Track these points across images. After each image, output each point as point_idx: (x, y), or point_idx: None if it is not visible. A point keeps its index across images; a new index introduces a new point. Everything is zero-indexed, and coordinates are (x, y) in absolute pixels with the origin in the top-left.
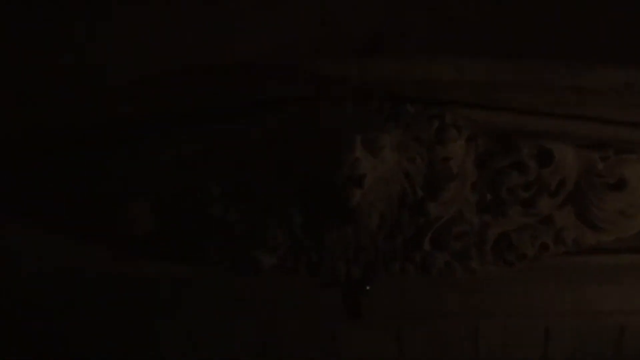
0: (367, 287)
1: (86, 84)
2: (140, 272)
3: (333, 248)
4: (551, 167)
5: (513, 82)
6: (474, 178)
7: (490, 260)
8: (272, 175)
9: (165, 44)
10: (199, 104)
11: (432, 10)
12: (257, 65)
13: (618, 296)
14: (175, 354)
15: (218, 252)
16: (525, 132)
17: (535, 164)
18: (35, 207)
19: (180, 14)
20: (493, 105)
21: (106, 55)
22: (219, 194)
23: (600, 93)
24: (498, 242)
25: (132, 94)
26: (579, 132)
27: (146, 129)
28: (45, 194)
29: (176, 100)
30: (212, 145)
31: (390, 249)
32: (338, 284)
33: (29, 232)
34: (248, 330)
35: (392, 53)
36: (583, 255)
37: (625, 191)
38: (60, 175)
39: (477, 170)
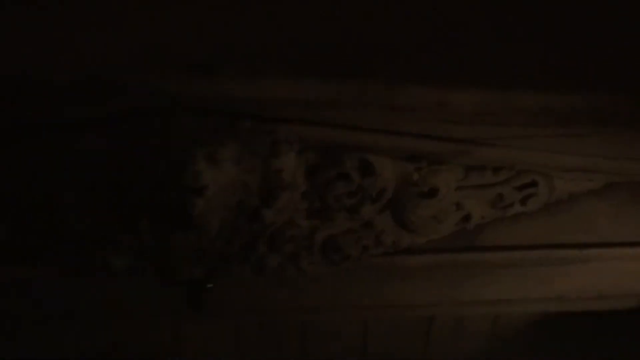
0: (209, 285)
1: None
2: None
3: (178, 251)
4: (372, 177)
5: (337, 100)
6: (304, 187)
7: (319, 261)
8: (120, 185)
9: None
10: (45, 115)
11: (264, 32)
12: (99, 80)
13: (429, 290)
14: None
15: (72, 255)
16: (349, 147)
17: (358, 175)
18: None
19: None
20: (320, 122)
21: None
22: (72, 202)
23: (414, 110)
24: (325, 244)
25: None
26: (397, 146)
27: None
28: None
29: (23, 112)
30: (62, 155)
31: (229, 252)
32: (182, 283)
33: None
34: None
35: (229, 72)
36: (400, 255)
37: (436, 198)
38: None
39: (307, 181)
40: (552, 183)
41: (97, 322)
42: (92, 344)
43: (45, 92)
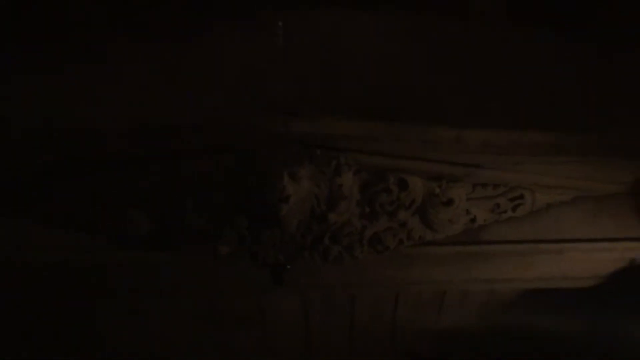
0: (287, 267)
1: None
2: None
3: (266, 242)
4: (406, 191)
5: (383, 136)
6: (357, 197)
7: (367, 250)
8: (226, 194)
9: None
10: (174, 147)
11: (330, 88)
12: (214, 123)
13: (443, 272)
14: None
15: (191, 245)
16: (391, 169)
17: (396, 189)
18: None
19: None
20: (370, 151)
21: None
22: (192, 207)
23: (437, 143)
24: (372, 238)
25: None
26: (424, 169)
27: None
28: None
29: (161, 146)
30: (185, 176)
31: (303, 243)
32: (268, 265)
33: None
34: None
35: (308, 116)
36: (424, 247)
37: (452, 206)
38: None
39: (360, 193)
40: (534, 196)
41: (201, 294)
42: (195, 310)
43: (171, 132)
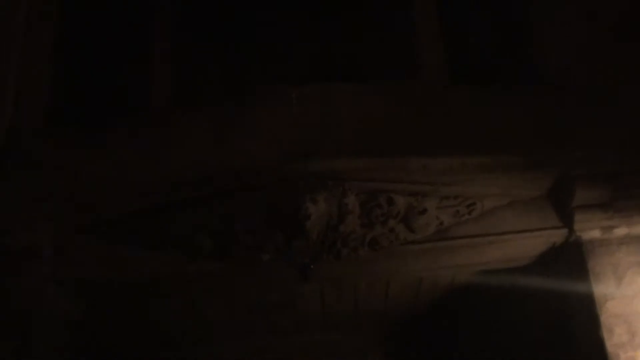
0: (311, 266)
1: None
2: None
3: (296, 249)
4: (394, 206)
5: (373, 168)
6: (358, 212)
7: (367, 250)
8: (267, 218)
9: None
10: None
11: (334, 134)
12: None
13: (422, 263)
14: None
15: (241, 254)
16: (381, 190)
17: (386, 205)
18: None
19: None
20: (366, 179)
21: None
22: (242, 229)
23: (412, 170)
24: (370, 241)
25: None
26: (405, 189)
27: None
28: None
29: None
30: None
31: (321, 248)
32: (297, 265)
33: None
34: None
35: (319, 157)
36: (408, 245)
37: (426, 214)
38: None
39: (360, 209)
40: (483, 203)
41: (249, 289)
42: (244, 301)
43: (223, 178)
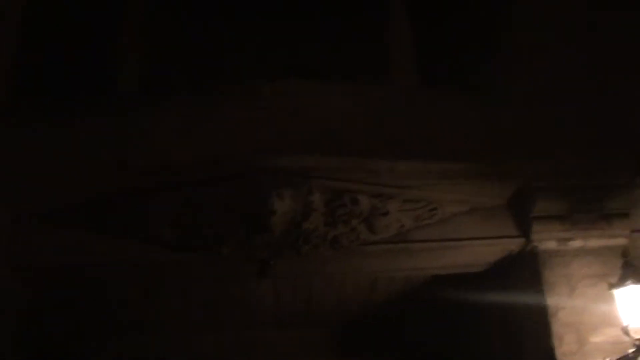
0: (271, 262)
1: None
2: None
3: (257, 244)
4: (357, 206)
5: (339, 168)
6: (323, 210)
7: (328, 248)
8: (231, 212)
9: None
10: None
11: (300, 133)
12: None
13: (379, 263)
14: None
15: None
16: (346, 190)
17: (350, 204)
18: None
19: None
20: (332, 178)
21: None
22: (204, 221)
23: (377, 172)
24: (332, 239)
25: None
26: (369, 190)
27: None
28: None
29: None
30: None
31: (283, 244)
32: (257, 260)
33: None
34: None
35: (289, 153)
36: (368, 245)
37: (388, 216)
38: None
39: (325, 207)
40: (444, 208)
41: (207, 281)
42: (203, 293)
43: (187, 169)
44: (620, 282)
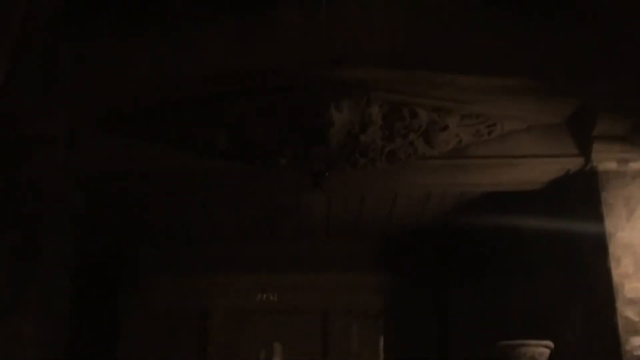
0: (326, 174)
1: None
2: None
3: (314, 156)
4: (416, 119)
5: (399, 80)
6: (380, 123)
7: (385, 162)
8: (288, 122)
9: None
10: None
11: (368, 43)
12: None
13: (436, 178)
14: None
15: (259, 158)
16: (405, 103)
17: (408, 118)
18: None
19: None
20: (391, 90)
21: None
22: (262, 131)
23: (438, 85)
24: (389, 153)
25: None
26: (429, 104)
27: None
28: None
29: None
30: (258, 108)
31: (339, 156)
32: (313, 171)
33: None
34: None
35: (347, 64)
36: (425, 160)
37: (447, 131)
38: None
39: (382, 120)
40: (503, 124)
41: (258, 193)
42: (253, 205)
43: (249, 77)
44: None
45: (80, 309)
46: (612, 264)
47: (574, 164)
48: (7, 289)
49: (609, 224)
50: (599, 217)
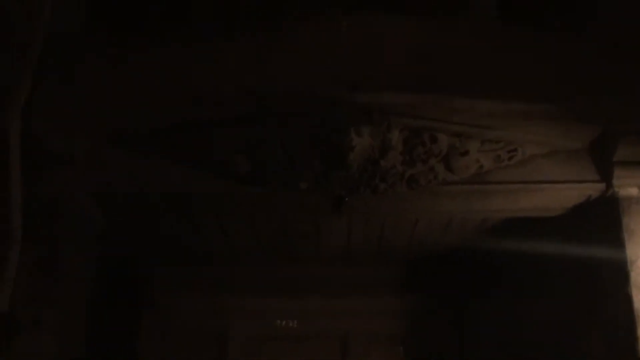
0: (346, 199)
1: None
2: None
3: (335, 180)
4: (437, 144)
5: (420, 105)
6: (401, 149)
7: (405, 187)
8: (309, 147)
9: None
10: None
11: (379, 69)
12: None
13: (456, 204)
14: None
15: (279, 180)
16: (426, 128)
17: (429, 143)
18: None
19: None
20: (411, 115)
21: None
22: (282, 155)
23: (458, 110)
24: (409, 178)
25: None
26: (449, 129)
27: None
28: None
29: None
30: (277, 133)
31: (360, 181)
32: (332, 197)
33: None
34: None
35: (367, 89)
36: (446, 186)
37: (467, 156)
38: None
39: (403, 145)
40: (524, 149)
41: (277, 216)
42: (271, 227)
43: (264, 100)
44: None
45: (98, 328)
46: (634, 291)
47: (595, 189)
48: (26, 307)
49: (631, 251)
50: (620, 244)
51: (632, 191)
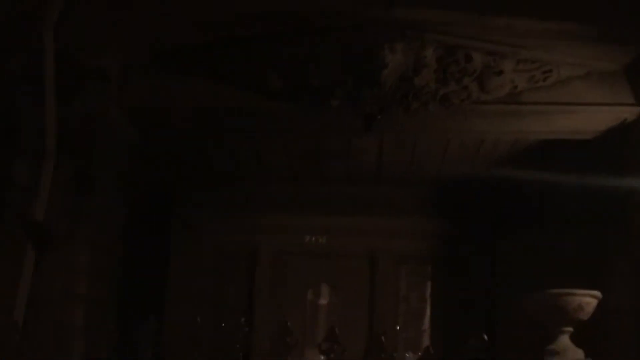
0: (378, 117)
1: None
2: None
3: (367, 98)
4: (471, 63)
5: (455, 22)
6: (435, 67)
7: (438, 106)
8: (341, 63)
9: None
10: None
11: None
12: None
13: (489, 124)
14: None
15: (313, 97)
16: (461, 46)
17: (463, 61)
18: None
19: None
20: (446, 33)
21: None
22: (315, 71)
23: (495, 29)
24: (442, 97)
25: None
26: (484, 47)
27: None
28: None
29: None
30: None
31: (392, 99)
32: (365, 114)
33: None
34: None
35: (401, 5)
36: (479, 104)
37: (502, 75)
38: None
39: (437, 63)
40: (559, 70)
41: (309, 134)
42: (302, 147)
43: (300, 17)
44: None
45: (131, 244)
46: None
47: (629, 113)
48: (62, 220)
49: None
50: None
51: None
